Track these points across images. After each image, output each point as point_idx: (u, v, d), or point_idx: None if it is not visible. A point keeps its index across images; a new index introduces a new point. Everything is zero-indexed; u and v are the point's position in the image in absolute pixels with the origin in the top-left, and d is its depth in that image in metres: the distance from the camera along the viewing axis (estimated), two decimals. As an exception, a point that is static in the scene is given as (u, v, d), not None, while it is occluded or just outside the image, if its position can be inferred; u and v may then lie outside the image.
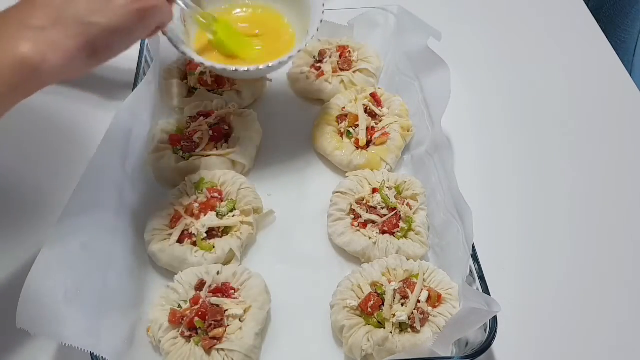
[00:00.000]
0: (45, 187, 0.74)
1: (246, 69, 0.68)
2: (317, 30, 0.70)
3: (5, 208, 0.73)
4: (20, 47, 0.45)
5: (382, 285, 0.61)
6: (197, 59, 0.68)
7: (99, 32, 0.50)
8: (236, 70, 0.68)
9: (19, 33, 0.46)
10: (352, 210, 0.69)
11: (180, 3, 0.67)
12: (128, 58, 0.86)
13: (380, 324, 0.60)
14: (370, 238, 0.66)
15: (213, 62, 0.69)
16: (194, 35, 0.75)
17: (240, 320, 0.60)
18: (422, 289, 0.61)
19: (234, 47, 0.74)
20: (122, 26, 0.51)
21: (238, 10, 0.79)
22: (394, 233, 0.67)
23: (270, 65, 0.68)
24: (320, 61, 0.85)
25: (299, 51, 0.71)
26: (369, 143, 0.76)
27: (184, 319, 0.59)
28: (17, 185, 0.75)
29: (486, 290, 0.58)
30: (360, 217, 0.68)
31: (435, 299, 0.60)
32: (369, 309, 0.60)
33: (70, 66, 0.49)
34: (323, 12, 0.72)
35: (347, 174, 0.74)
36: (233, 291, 0.62)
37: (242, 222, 0.68)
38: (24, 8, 0.49)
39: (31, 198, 0.73)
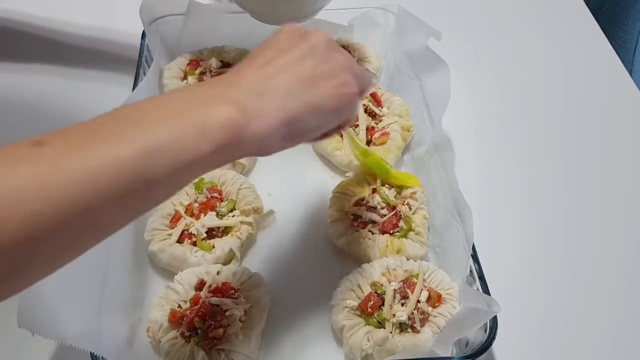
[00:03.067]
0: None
1: None
2: None
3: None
4: (229, 107, 0.42)
5: (382, 285, 0.61)
6: None
7: (302, 108, 0.47)
8: None
9: (228, 96, 0.44)
10: (352, 211, 0.69)
11: None
12: (128, 58, 0.86)
13: (380, 324, 0.59)
14: (370, 238, 0.66)
15: None
16: None
17: (240, 320, 0.60)
18: (422, 289, 0.61)
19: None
20: (324, 107, 0.48)
21: None
22: (394, 233, 0.67)
23: None
24: (320, 61, 0.85)
25: None
26: (369, 143, 0.76)
27: (184, 319, 0.59)
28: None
29: (486, 290, 0.58)
30: (360, 217, 0.68)
31: (435, 299, 0.60)
32: (369, 309, 0.60)
33: (267, 140, 0.45)
34: None
35: (347, 174, 0.74)
36: (233, 291, 0.62)
37: (242, 222, 0.68)
38: (232, 76, 0.47)
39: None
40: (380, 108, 0.79)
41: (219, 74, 0.82)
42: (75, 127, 0.38)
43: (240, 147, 0.43)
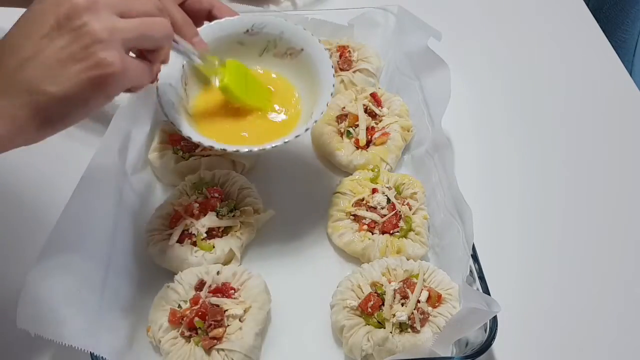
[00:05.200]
0: (45, 186, 0.74)
1: (248, 149, 0.62)
2: (322, 114, 0.64)
3: (5, 208, 0.73)
4: None
5: (382, 285, 0.61)
6: (195, 137, 0.62)
7: (49, 101, 0.45)
8: (238, 150, 0.61)
9: None
10: (352, 211, 0.69)
11: (180, 45, 0.59)
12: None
13: (380, 324, 0.59)
14: (369, 238, 0.66)
15: (211, 139, 0.62)
16: (194, 98, 0.70)
17: (240, 320, 0.60)
18: (422, 289, 0.61)
19: (244, 94, 0.67)
20: (75, 95, 0.45)
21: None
22: (394, 233, 0.67)
23: (274, 145, 0.62)
24: (320, 61, 0.85)
25: (305, 130, 0.64)
26: (369, 143, 0.76)
27: (184, 319, 0.59)
28: (17, 184, 0.75)
29: (486, 290, 0.58)
30: (360, 217, 0.68)
31: (435, 299, 0.60)
32: (369, 309, 0.60)
33: (18, 136, 0.45)
34: (331, 94, 0.66)
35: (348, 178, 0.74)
36: (233, 291, 0.62)
37: (242, 222, 0.68)
38: None
39: (31, 198, 0.73)
40: (380, 108, 0.79)
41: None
42: None
43: None
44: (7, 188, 0.75)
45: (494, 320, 0.55)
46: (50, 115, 0.45)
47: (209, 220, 0.67)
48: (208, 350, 0.57)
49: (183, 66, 0.68)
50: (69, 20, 0.45)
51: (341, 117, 0.78)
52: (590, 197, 0.77)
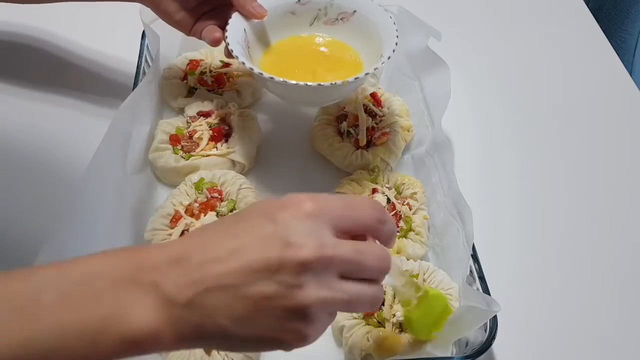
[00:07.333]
0: (44, 186, 0.74)
1: (305, 84, 0.62)
2: (389, 58, 0.66)
3: (4, 208, 0.73)
4: (139, 315, 0.36)
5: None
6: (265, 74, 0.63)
7: (219, 332, 0.38)
8: (297, 84, 0.62)
9: (147, 299, 0.36)
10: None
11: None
12: (128, 57, 0.86)
13: (380, 324, 0.59)
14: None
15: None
16: (257, 62, 0.72)
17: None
18: (422, 289, 0.61)
19: (424, 332, 0.57)
20: (251, 344, 0.39)
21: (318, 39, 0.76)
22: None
23: (334, 83, 0.62)
24: (320, 61, 0.85)
25: (375, 69, 0.66)
26: (369, 143, 0.76)
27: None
28: (16, 184, 0.75)
29: (486, 290, 0.58)
30: (360, 217, 0.68)
31: (435, 299, 0.60)
32: (369, 309, 0.59)
33: (173, 348, 0.38)
34: (396, 43, 0.68)
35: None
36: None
37: (242, 222, 0.68)
38: (171, 268, 0.38)
39: (30, 198, 0.73)
40: (380, 108, 0.79)
41: (219, 74, 0.82)
42: None
43: (136, 352, 0.37)
44: (6, 187, 0.75)
45: (494, 320, 0.55)
46: (219, 344, 0.40)
47: (209, 220, 0.66)
48: (208, 351, 0.57)
49: (245, 30, 0.70)
50: (284, 271, 0.37)
51: (341, 117, 0.78)
52: (591, 197, 0.77)
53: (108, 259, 0.39)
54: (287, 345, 0.39)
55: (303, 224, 0.38)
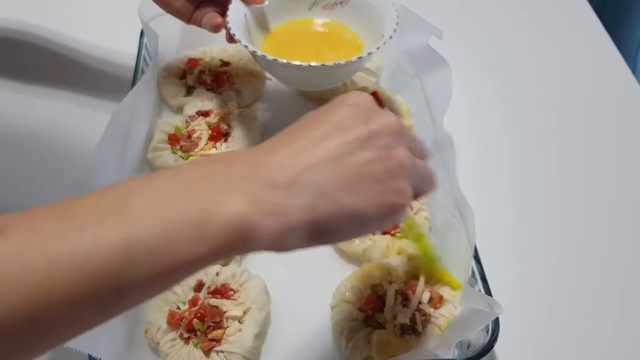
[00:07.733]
0: (43, 186, 0.74)
1: (308, 65, 0.63)
2: (390, 37, 0.67)
3: (3, 205, 0.72)
4: (242, 201, 0.35)
5: (383, 286, 0.61)
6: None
7: (342, 212, 0.38)
8: (300, 65, 0.63)
9: (246, 183, 0.36)
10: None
11: None
12: (127, 56, 0.86)
13: (381, 326, 0.59)
14: (370, 239, 0.66)
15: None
16: (257, 45, 0.72)
17: (239, 321, 0.59)
18: (423, 290, 0.60)
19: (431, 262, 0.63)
20: (372, 215, 0.40)
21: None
22: (395, 234, 0.67)
23: (337, 63, 0.63)
24: (320, 60, 0.84)
25: (377, 48, 0.66)
26: (369, 142, 0.75)
27: (183, 320, 0.58)
28: (16, 183, 0.74)
29: (488, 291, 0.58)
30: (361, 217, 0.68)
31: (436, 300, 0.60)
32: (370, 310, 0.59)
33: (283, 241, 0.38)
34: (396, 23, 0.69)
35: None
36: (232, 292, 0.61)
37: (241, 223, 0.67)
38: (264, 153, 0.39)
39: (29, 198, 0.73)
40: (381, 107, 0.79)
41: (218, 73, 0.82)
42: (44, 210, 0.33)
43: (246, 246, 0.36)
44: (5, 187, 0.74)
45: (496, 322, 0.54)
46: (327, 228, 0.39)
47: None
48: (207, 352, 0.57)
49: (245, 15, 0.70)
50: (378, 137, 0.41)
51: (342, 117, 0.78)
52: (593, 197, 0.76)
53: (190, 169, 0.37)
54: (391, 207, 0.41)
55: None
